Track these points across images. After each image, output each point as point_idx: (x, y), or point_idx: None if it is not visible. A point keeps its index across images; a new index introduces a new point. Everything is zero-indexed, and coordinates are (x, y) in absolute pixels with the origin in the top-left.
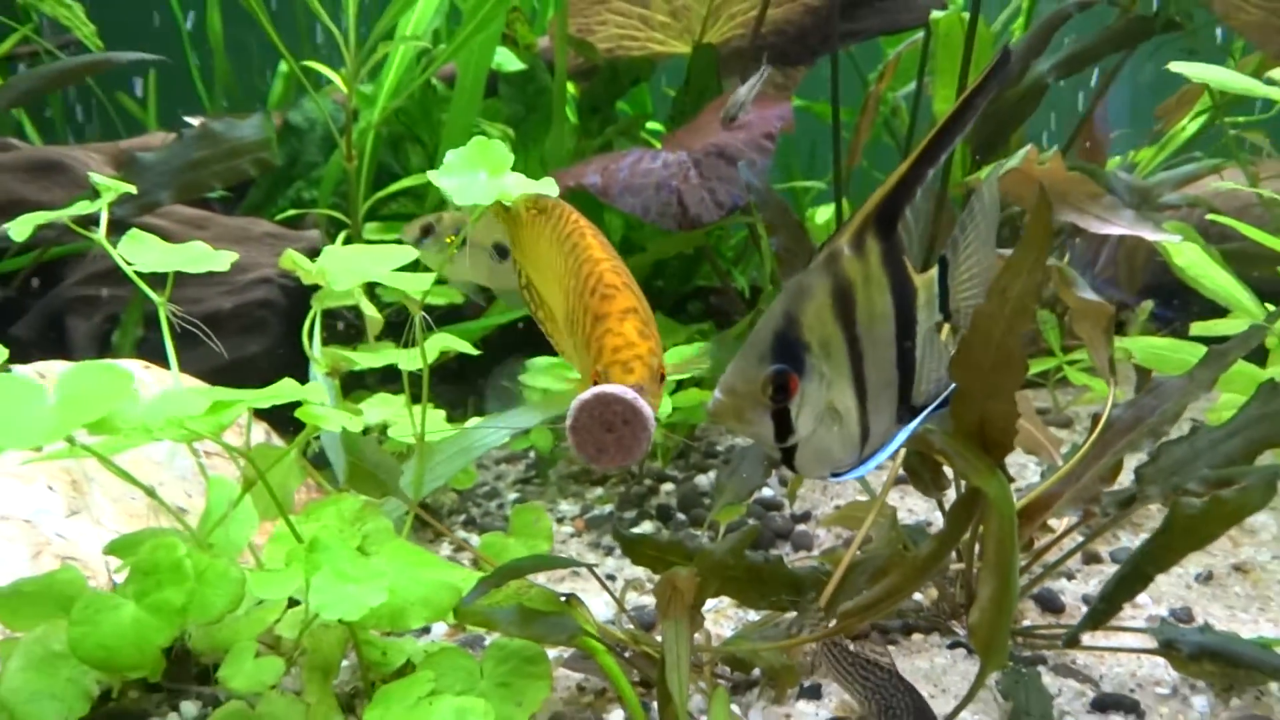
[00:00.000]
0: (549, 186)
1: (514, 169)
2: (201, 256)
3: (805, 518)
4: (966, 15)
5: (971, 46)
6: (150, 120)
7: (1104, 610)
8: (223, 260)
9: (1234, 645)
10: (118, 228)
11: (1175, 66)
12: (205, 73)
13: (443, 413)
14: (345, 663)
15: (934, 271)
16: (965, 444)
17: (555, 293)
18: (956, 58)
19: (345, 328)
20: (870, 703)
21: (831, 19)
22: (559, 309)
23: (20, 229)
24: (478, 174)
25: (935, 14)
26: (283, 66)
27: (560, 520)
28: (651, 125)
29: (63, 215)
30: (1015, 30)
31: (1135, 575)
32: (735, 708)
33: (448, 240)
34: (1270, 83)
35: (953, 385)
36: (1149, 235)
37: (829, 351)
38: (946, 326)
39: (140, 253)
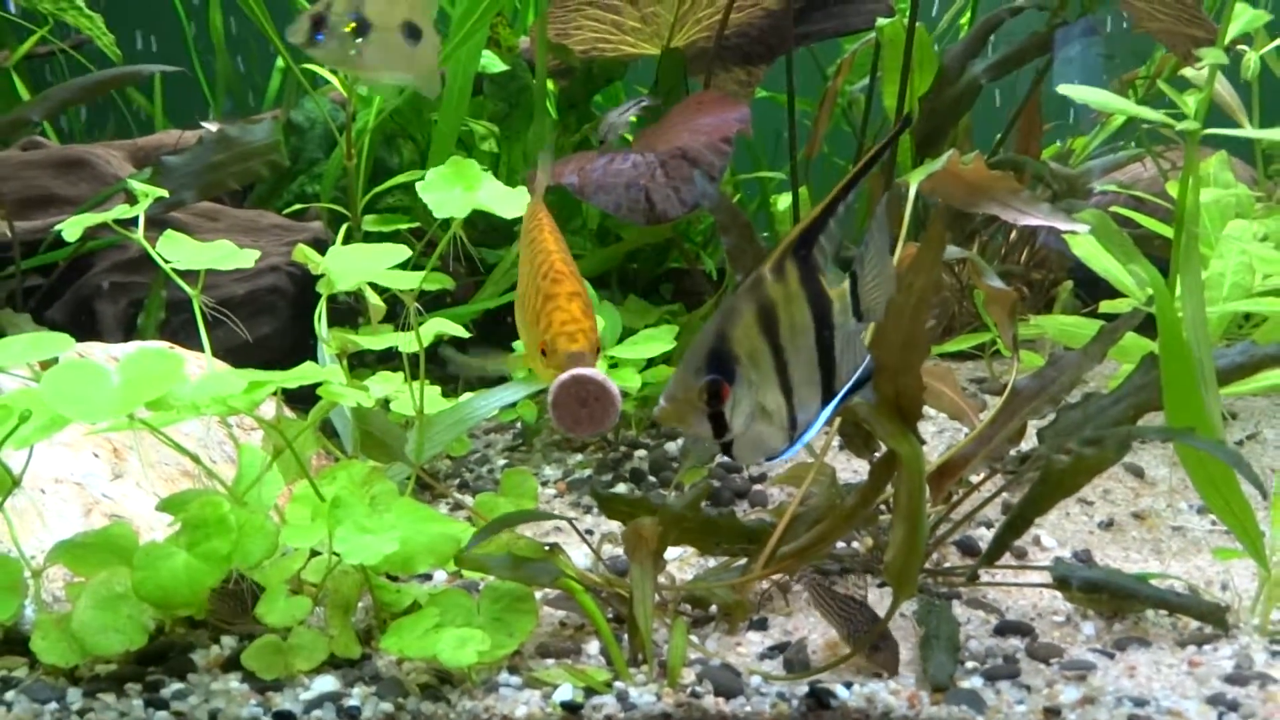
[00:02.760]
0: (520, 200)
1: (499, 161)
2: (229, 255)
3: (761, 479)
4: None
5: (910, 53)
6: (157, 112)
7: (995, 550)
8: (247, 258)
9: (1115, 578)
10: (148, 223)
11: (1063, 89)
12: (207, 68)
13: (438, 388)
14: (361, 604)
15: (846, 285)
16: (883, 412)
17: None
18: (900, 61)
19: (346, 309)
20: (844, 628)
21: (785, 23)
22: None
23: (71, 231)
24: (454, 190)
25: (881, 20)
26: (280, 62)
27: (544, 484)
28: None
29: (108, 218)
30: (963, 26)
31: (1019, 521)
32: (694, 638)
33: (346, 30)
34: (1182, 82)
35: (859, 373)
36: (1061, 226)
37: (756, 361)
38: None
39: (176, 250)
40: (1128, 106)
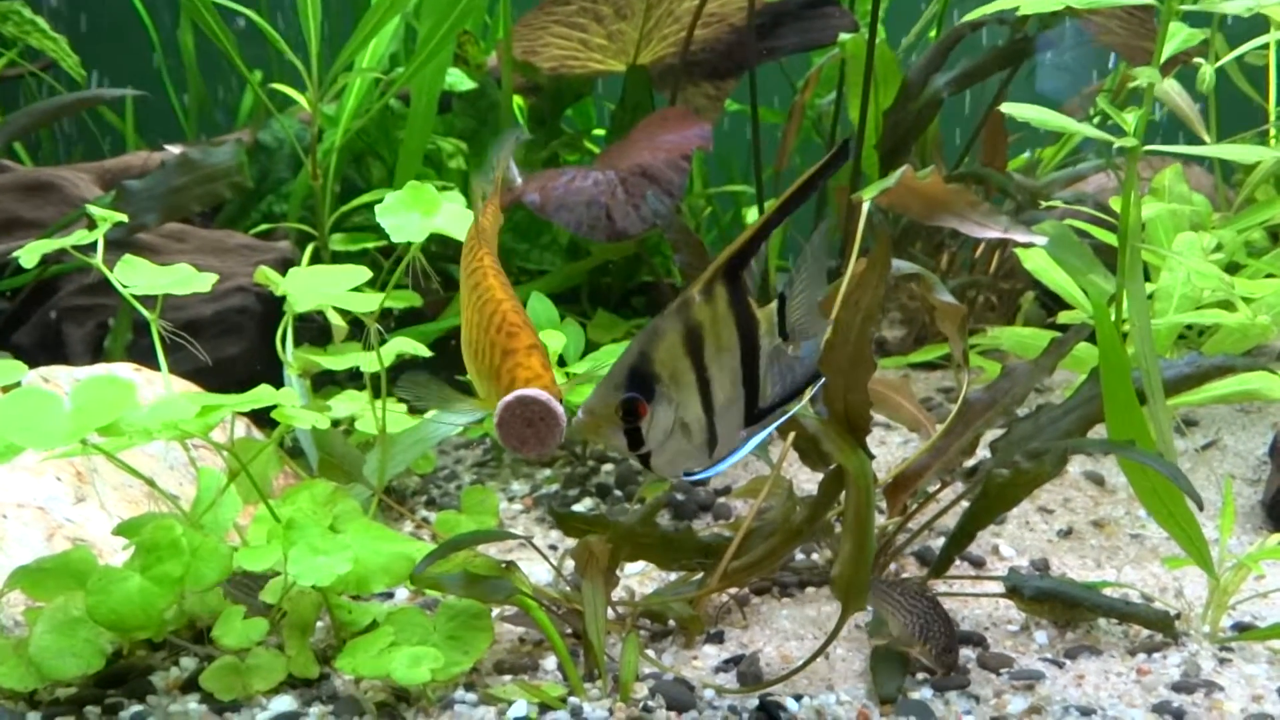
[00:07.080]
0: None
1: (467, 178)
2: (187, 279)
3: (726, 491)
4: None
5: (871, 68)
6: (128, 130)
7: (941, 564)
8: (204, 281)
9: (1066, 587)
10: (112, 246)
11: (1006, 108)
12: (178, 85)
13: (404, 406)
14: (320, 624)
15: (774, 305)
16: (832, 428)
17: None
18: (862, 75)
19: (318, 328)
20: (913, 627)
21: (749, 40)
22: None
23: (29, 257)
24: (412, 214)
25: (844, 35)
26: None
27: (512, 499)
28: (597, 131)
29: (66, 244)
30: (931, 36)
31: (962, 534)
32: (651, 652)
33: None
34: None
35: (794, 391)
36: (1020, 238)
37: (679, 381)
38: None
39: (134, 275)
40: (1068, 124)
